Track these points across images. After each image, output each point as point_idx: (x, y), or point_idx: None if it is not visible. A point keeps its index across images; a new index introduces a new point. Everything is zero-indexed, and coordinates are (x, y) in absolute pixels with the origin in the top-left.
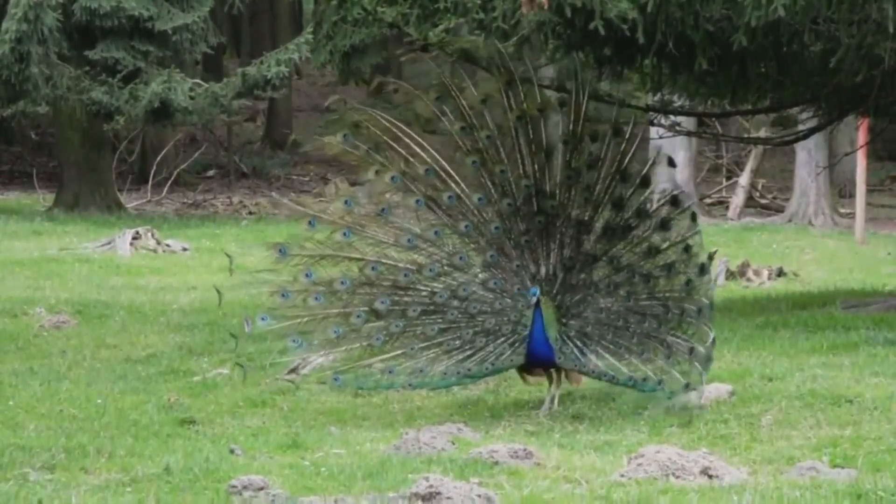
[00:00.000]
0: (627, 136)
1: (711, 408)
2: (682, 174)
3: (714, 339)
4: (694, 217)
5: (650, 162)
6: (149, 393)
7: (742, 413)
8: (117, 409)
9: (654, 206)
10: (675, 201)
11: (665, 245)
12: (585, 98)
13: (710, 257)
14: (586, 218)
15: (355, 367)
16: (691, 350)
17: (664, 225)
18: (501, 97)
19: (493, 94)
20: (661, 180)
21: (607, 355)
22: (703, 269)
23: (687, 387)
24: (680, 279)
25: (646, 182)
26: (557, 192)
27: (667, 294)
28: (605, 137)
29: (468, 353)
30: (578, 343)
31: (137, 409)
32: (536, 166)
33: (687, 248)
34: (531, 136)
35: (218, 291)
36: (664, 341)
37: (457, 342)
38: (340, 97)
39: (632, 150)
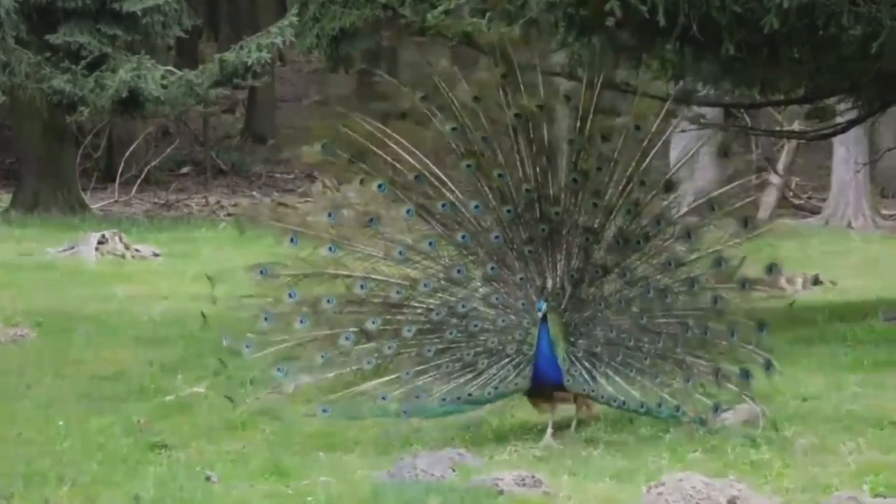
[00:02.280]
0: (652, 131)
1: (739, 431)
2: (708, 172)
3: (770, 364)
4: (747, 222)
5: (682, 159)
6: (116, 414)
7: (774, 437)
8: (81, 431)
9: (681, 211)
10: (711, 205)
11: (691, 257)
12: (597, 91)
13: (770, 269)
14: (596, 225)
15: (345, 394)
16: (717, 371)
17: (690, 233)
18: (497, 93)
19: (487, 90)
20: (699, 178)
21: (617, 378)
22: (744, 285)
23: (716, 409)
24: (705, 296)
25: (670, 186)
26: (562, 197)
27: (687, 312)
28: (622, 135)
29: (469, 376)
30: (587, 364)
31: (104, 431)
32: (538, 169)
33: (719, 262)
34: (532, 136)
35: (203, 316)
36: (682, 362)
37: (456, 364)
38: (321, 98)
39: (654, 149)
